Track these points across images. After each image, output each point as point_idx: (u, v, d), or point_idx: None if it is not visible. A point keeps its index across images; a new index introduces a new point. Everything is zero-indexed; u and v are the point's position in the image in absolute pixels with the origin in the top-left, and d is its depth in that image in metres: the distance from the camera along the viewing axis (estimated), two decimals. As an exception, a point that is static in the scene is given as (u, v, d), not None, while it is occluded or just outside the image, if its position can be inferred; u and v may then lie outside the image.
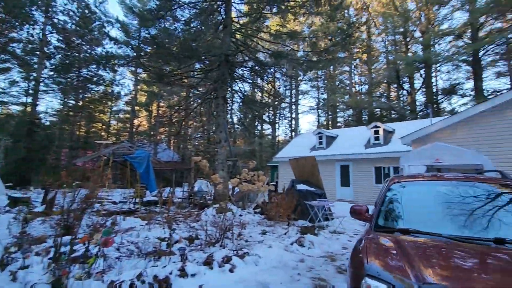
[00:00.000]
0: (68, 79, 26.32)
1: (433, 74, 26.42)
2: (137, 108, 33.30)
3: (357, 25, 13.15)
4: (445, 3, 24.95)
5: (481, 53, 20.58)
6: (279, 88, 34.49)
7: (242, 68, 12.35)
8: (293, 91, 36.32)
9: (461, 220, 2.34)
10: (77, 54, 25.96)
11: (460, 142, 8.02)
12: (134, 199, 11.46)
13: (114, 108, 37.00)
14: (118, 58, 21.29)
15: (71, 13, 24.67)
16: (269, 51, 12.09)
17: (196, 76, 12.16)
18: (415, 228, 2.34)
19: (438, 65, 23.74)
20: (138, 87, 32.33)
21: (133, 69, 27.12)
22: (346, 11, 27.92)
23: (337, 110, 36.01)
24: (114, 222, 6.78)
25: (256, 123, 39.72)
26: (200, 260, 4.51)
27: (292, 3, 10.96)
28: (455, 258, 1.90)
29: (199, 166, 6.03)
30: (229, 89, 11.38)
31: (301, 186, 9.36)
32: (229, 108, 28.50)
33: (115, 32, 47.10)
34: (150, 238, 6.01)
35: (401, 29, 25.38)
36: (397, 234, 2.35)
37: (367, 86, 32.09)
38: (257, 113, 31.60)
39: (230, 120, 32.72)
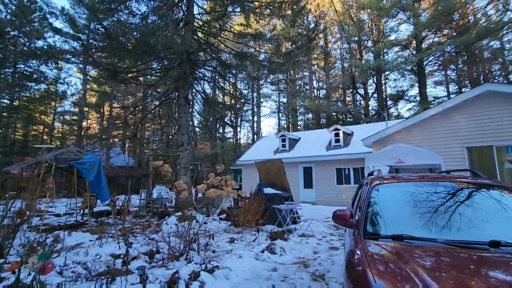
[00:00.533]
0: (2, 75, 23.05)
1: (384, 81, 28.49)
2: (86, 109, 30.43)
3: (319, 30, 13.45)
4: (392, 16, 27.15)
5: (425, 63, 22.72)
6: (242, 90, 34.34)
7: (205, 68, 11.82)
8: (255, 94, 36.43)
9: (453, 223, 2.23)
10: (12, 48, 22.87)
11: (414, 142, 8.50)
12: (82, 210, 10.21)
13: (59, 109, 33.46)
14: (63, 53, 19.16)
15: (6, 1, 21.71)
16: (232, 52, 11.76)
17: (155, 74, 11.31)
18: (408, 233, 2.18)
19: (388, 72, 25.65)
20: (88, 86, 29.60)
21: (81, 66, 24.73)
22: (305, 17, 28.89)
23: (298, 114, 36.98)
24: (56, 239, 5.82)
25: (218, 125, 39.05)
26: (163, 279, 3.96)
27: (256, 3, 10.79)
28: (463, 268, 1.74)
29: (160, 172, 5.42)
30: (191, 89, 10.77)
31: (268, 190, 9.14)
32: (190, 109, 27.51)
33: (60, 25, 42.86)
34: (101, 256, 5.23)
35: (356, 38, 26.92)
36: (389, 241, 2.17)
37: (325, 91, 33.49)
38: (219, 115, 31.01)
39: (190, 122, 31.61)
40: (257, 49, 11.92)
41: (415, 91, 29.91)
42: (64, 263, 4.78)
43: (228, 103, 23.61)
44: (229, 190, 5.02)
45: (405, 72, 26.38)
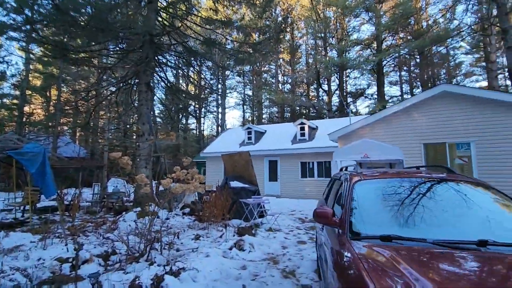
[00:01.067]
0: None
1: (346, 78, 29.64)
2: (29, 92, 27.02)
3: (287, 23, 13.30)
4: (356, 16, 28.19)
5: (384, 63, 24.05)
6: (207, 80, 33.27)
7: (169, 53, 11.03)
8: (220, 85, 35.60)
9: (440, 221, 2.18)
10: None
11: (378, 137, 8.83)
12: (22, 206, 8.99)
13: (-5, 91, 29.27)
14: (3, 28, 16.57)
15: None
16: (200, 38, 11.12)
17: (112, 56, 10.21)
18: (396, 233, 2.07)
19: (350, 70, 26.70)
20: (31, 66, 26.25)
21: (23, 43, 21.72)
22: (274, 10, 28.73)
23: (263, 107, 37.03)
24: (-13, 243, 4.95)
25: (181, 116, 37.54)
26: (121, 286, 3.50)
27: (226, -12, 10.28)
28: (456, 269, 1.65)
29: (118, 164, 4.84)
30: (154, 75, 9.95)
31: (235, 183, 8.87)
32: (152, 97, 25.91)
33: (-4, -5, 37.36)
34: (45, 260, 4.56)
35: (321, 35, 27.50)
36: (377, 242, 2.05)
37: (290, 85, 33.89)
38: (182, 105, 29.75)
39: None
40: (225, 37, 11.42)
41: (373, 89, 31.72)
42: (0, 269, 4.05)
43: (193, 93, 22.64)
44: (196, 185, 4.65)
45: (365, 71, 27.66)
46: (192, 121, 39.99)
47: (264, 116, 38.02)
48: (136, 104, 9.58)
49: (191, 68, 11.93)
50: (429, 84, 27.10)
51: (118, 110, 12.88)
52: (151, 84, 11.37)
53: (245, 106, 41.04)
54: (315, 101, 27.60)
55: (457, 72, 29.78)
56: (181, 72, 17.18)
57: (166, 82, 12.24)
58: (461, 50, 28.64)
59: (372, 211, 2.46)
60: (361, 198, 2.60)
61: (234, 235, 6.42)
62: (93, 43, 10.03)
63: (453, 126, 8.27)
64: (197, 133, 39.64)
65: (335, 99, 29.60)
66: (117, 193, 10.55)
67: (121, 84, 10.63)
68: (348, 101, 28.89)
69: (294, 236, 7.05)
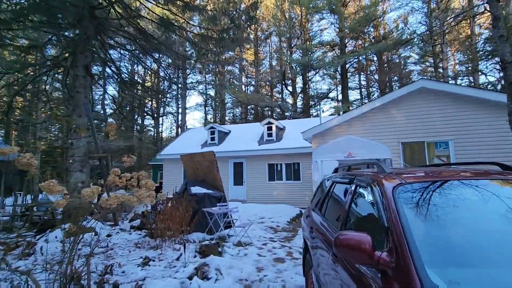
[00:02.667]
0: None
1: (310, 80, 29.65)
2: None
3: (257, 9, 12.26)
4: (320, 19, 28.39)
5: (347, 66, 24.35)
6: (167, 75, 30.94)
7: (119, 35, 9.25)
8: (180, 80, 33.40)
9: None
10: None
11: (355, 135, 8.11)
12: None
13: None
14: None
15: None
16: (156, 20, 9.54)
17: (38, 29, 8.09)
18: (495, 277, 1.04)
19: (314, 72, 26.68)
20: None
21: None
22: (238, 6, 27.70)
23: (226, 108, 35.63)
24: None
25: (137, 116, 34.49)
26: None
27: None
28: None
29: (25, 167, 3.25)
30: (95, 55, 8.09)
31: (196, 189, 7.46)
32: (99, 90, 23.06)
33: None
34: None
35: (287, 36, 27.13)
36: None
37: (253, 87, 33.05)
38: (137, 102, 27.14)
39: (102, 109, 26.74)
40: (187, 21, 9.96)
41: (335, 92, 32.27)
42: None
43: (150, 87, 20.46)
44: (142, 194, 3.25)
45: (330, 73, 27.88)
46: (149, 122, 37.04)
47: (227, 118, 36.64)
48: (72, 91, 7.64)
49: (148, 55, 10.18)
50: (387, 90, 28.22)
51: (48, 100, 10.52)
52: (100, 75, 9.49)
53: (207, 108, 39.26)
54: (280, 102, 27.05)
55: (408, 80, 31.65)
56: (136, 62, 15.28)
57: (115, 71, 10.36)
58: (411, 59, 30.52)
59: (451, 243, 1.39)
60: (422, 218, 1.53)
61: (195, 256, 5.05)
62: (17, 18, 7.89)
63: (431, 124, 7.88)
64: (155, 135, 36.81)
65: (299, 102, 29.44)
66: (46, 204, 8.44)
67: (51, 65, 8.56)
68: (313, 103, 28.90)
69: (269, 251, 5.89)
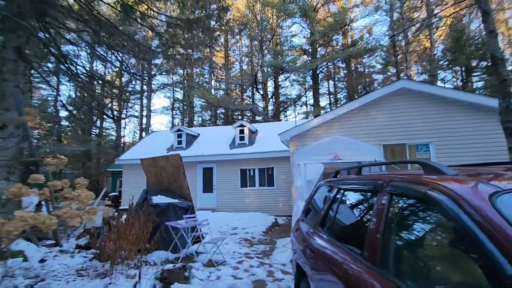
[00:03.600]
0: None
1: (281, 85, 29.44)
2: None
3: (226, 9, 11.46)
4: (290, 25, 28.46)
5: (318, 71, 24.45)
6: (129, 77, 28.82)
7: (71, 17, 7.84)
8: (145, 75, 31.37)
9: None
10: None
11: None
12: None
13: None
14: None
15: None
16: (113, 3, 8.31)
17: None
18: None
19: (286, 75, 26.51)
20: None
21: None
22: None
23: (194, 111, 34.14)
24: None
25: (96, 118, 31.61)
26: None
27: None
28: None
29: None
30: (34, 38, 6.64)
31: (159, 199, 6.34)
32: (50, 88, 20.61)
33: None
34: None
35: (258, 39, 26.71)
36: None
37: (223, 91, 32.08)
38: (95, 102, 24.77)
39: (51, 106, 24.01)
40: (151, 8, 8.82)
41: (306, 97, 32.42)
42: None
43: (110, 81, 18.45)
44: (70, 212, 2.20)
45: (299, 79, 27.88)
46: (110, 125, 34.19)
47: (196, 122, 35.11)
48: None
49: (102, 43, 8.82)
50: (355, 96, 28.92)
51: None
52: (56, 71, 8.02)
53: (174, 111, 37.38)
54: (252, 105, 26.39)
55: (372, 88, 32.89)
56: (90, 53, 13.69)
57: (62, 60, 8.83)
58: (374, 68, 31.79)
59: None
60: None
61: (154, 286, 3.98)
62: None
63: (412, 126, 7.59)
64: (116, 139, 34.06)
65: (270, 106, 29.03)
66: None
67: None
68: (284, 108, 28.64)
69: (246, 271, 4.98)
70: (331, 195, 2.56)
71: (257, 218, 10.64)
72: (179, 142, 14.98)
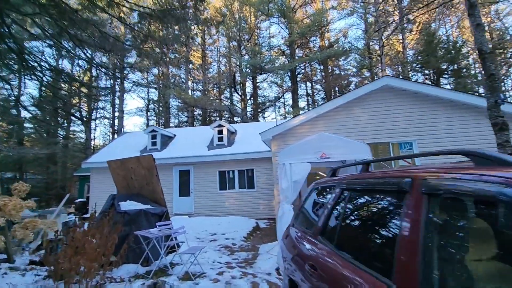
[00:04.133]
0: None
1: (259, 86, 29.14)
2: None
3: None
4: (271, 24, 28.29)
5: (297, 71, 24.41)
6: (100, 77, 27.15)
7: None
8: (117, 79, 29.80)
9: None
10: None
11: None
12: None
13: None
14: None
15: None
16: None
17: None
18: None
19: (264, 76, 26.25)
20: None
21: None
22: None
23: (170, 112, 32.92)
24: None
25: (63, 120, 29.43)
26: None
27: None
28: None
29: None
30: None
31: (128, 205, 5.65)
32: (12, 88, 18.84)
33: None
34: None
35: (237, 37, 26.25)
36: None
37: (200, 92, 31.21)
38: (62, 102, 23.08)
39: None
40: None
41: (284, 99, 32.37)
42: None
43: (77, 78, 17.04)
44: None
45: (277, 81, 27.75)
46: (78, 127, 32.00)
47: (172, 123, 33.89)
48: None
49: (63, 31, 7.90)
50: (331, 97, 29.27)
51: None
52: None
53: (149, 113, 35.87)
54: (230, 105, 25.81)
55: (347, 90, 33.57)
56: (55, 48, 12.68)
57: (23, 58, 7.83)
58: (350, 71, 32.46)
59: None
60: None
61: (119, 309, 3.35)
62: None
63: (395, 124, 7.47)
64: (86, 142, 31.94)
65: (248, 108, 28.62)
66: None
67: None
68: (262, 108, 28.36)
69: (228, 284, 4.46)
70: (332, 197, 2.13)
71: (237, 222, 10.12)
72: (154, 144, 14.11)
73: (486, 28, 26.79)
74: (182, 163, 12.80)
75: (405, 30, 25.25)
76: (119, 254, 4.63)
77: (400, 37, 26.17)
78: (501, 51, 23.19)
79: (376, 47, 30.61)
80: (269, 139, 7.82)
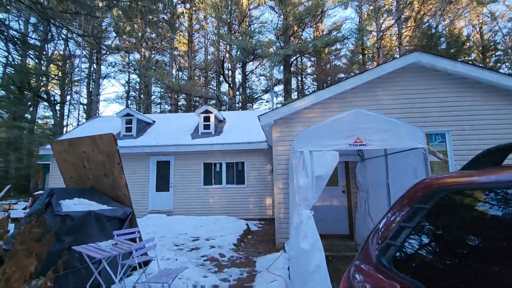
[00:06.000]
0: None
1: (250, 77, 27.43)
2: None
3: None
4: (262, 13, 26.54)
5: (291, 60, 22.89)
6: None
7: None
8: (94, 66, 27.17)
9: None
10: None
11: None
12: None
13: None
14: None
15: None
16: None
17: None
18: None
19: (255, 64, 24.58)
20: None
21: None
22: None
23: (153, 100, 30.57)
24: None
25: (29, 103, 26.42)
26: None
27: None
28: None
29: None
30: None
31: (74, 204, 3.94)
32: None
33: None
34: None
35: (228, 20, 24.34)
36: None
37: (187, 77, 29.06)
38: (26, 83, 20.54)
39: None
40: None
41: (272, 93, 30.80)
42: None
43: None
44: None
45: (271, 67, 26.16)
46: (48, 113, 28.98)
47: (154, 111, 31.55)
48: None
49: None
50: (324, 86, 28.04)
51: None
52: None
53: (129, 100, 33.31)
54: (217, 92, 23.96)
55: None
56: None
57: None
58: (340, 68, 31.40)
59: None
60: None
61: None
62: None
63: (425, 111, 6.13)
64: (55, 126, 29.00)
65: (237, 98, 26.88)
66: None
67: None
68: (254, 97, 26.73)
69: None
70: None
71: (224, 224, 8.55)
72: (128, 129, 12.19)
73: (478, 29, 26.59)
74: (161, 152, 11.00)
75: (402, 22, 24.24)
76: (48, 275, 2.95)
77: (396, 31, 25.24)
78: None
79: (368, 43, 29.80)
80: (269, 123, 6.25)
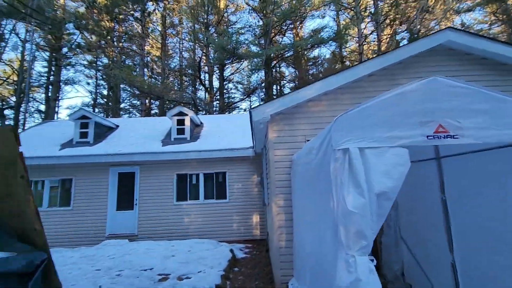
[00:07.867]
0: None
1: (228, 82, 25.95)
2: None
3: None
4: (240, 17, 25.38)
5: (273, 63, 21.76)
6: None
7: None
8: (53, 69, 24.28)
9: None
10: None
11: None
12: None
13: None
14: None
15: None
16: None
17: None
18: None
19: (236, 66, 23.20)
20: None
21: None
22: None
23: (123, 107, 27.93)
24: None
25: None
26: None
27: None
28: None
29: None
30: None
31: None
32: None
33: None
34: None
35: (204, 20, 22.82)
36: None
37: (160, 80, 26.90)
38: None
39: None
40: None
41: (250, 102, 29.48)
42: None
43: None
44: None
45: (243, 82, 25.00)
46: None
47: (123, 115, 28.87)
48: None
49: None
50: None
51: None
52: None
53: (97, 109, 30.33)
54: (192, 94, 22.09)
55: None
56: None
57: None
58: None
59: None
60: None
61: None
62: None
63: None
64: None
65: (215, 103, 25.17)
66: None
67: None
68: (234, 102, 25.18)
69: None
70: None
71: (203, 252, 6.75)
72: (84, 135, 10.04)
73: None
74: (123, 162, 9.00)
75: (381, 30, 24.18)
76: None
77: (376, 37, 25.11)
78: None
79: (344, 53, 29.71)
80: (265, 119, 4.67)
